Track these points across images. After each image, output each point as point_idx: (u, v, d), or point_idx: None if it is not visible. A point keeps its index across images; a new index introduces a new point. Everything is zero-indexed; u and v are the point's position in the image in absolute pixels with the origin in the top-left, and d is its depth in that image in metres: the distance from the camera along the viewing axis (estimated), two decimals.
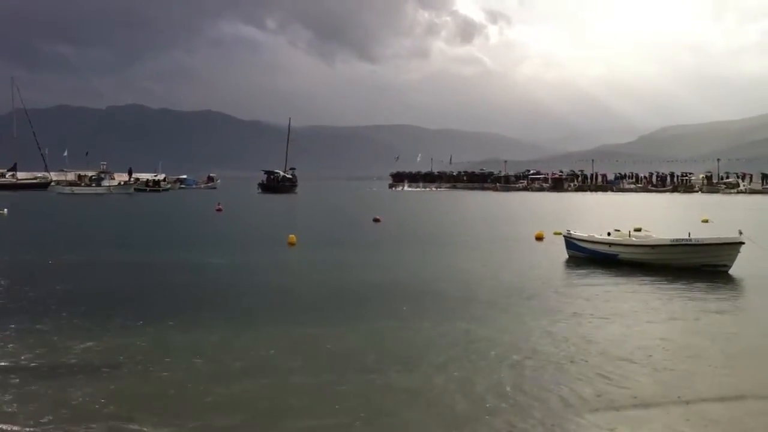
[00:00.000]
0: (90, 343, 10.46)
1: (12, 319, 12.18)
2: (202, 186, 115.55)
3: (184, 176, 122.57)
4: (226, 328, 11.66)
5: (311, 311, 13.26)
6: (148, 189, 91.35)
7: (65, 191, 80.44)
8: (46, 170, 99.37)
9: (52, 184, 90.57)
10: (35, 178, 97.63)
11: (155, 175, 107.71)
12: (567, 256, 21.23)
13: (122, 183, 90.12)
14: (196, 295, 15.05)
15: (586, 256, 20.40)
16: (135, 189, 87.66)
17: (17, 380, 8.76)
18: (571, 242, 21.32)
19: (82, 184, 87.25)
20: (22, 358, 9.80)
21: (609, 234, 20.14)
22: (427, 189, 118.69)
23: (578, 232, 21.66)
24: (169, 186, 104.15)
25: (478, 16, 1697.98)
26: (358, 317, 12.74)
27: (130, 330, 11.38)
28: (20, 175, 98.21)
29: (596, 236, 20.70)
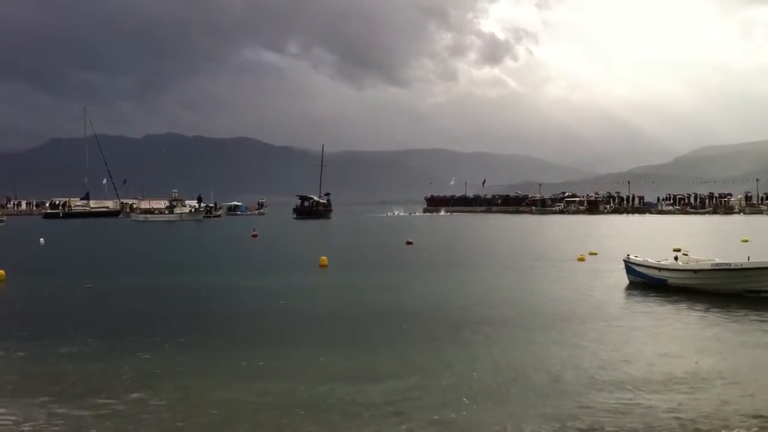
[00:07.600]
0: (120, 364, 10.76)
1: (49, 337, 12.62)
2: (255, 212, 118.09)
3: (238, 203, 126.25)
4: (252, 353, 11.62)
5: (332, 336, 13.16)
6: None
7: (139, 219, 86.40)
8: (118, 198, 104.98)
9: (126, 211, 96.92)
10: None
11: (198, 203, 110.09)
12: (627, 282, 20.38)
13: (192, 210, 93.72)
14: (217, 318, 15.16)
15: (643, 281, 19.71)
16: (204, 216, 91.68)
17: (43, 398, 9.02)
18: (630, 267, 20.55)
19: (156, 211, 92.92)
20: (53, 375, 10.13)
21: (676, 258, 19.35)
22: (449, 213, 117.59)
23: (638, 257, 20.72)
24: (220, 212, 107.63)
25: (501, 35, 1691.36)
26: (389, 345, 12.38)
27: (157, 353, 11.49)
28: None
29: (649, 261, 20.04)
